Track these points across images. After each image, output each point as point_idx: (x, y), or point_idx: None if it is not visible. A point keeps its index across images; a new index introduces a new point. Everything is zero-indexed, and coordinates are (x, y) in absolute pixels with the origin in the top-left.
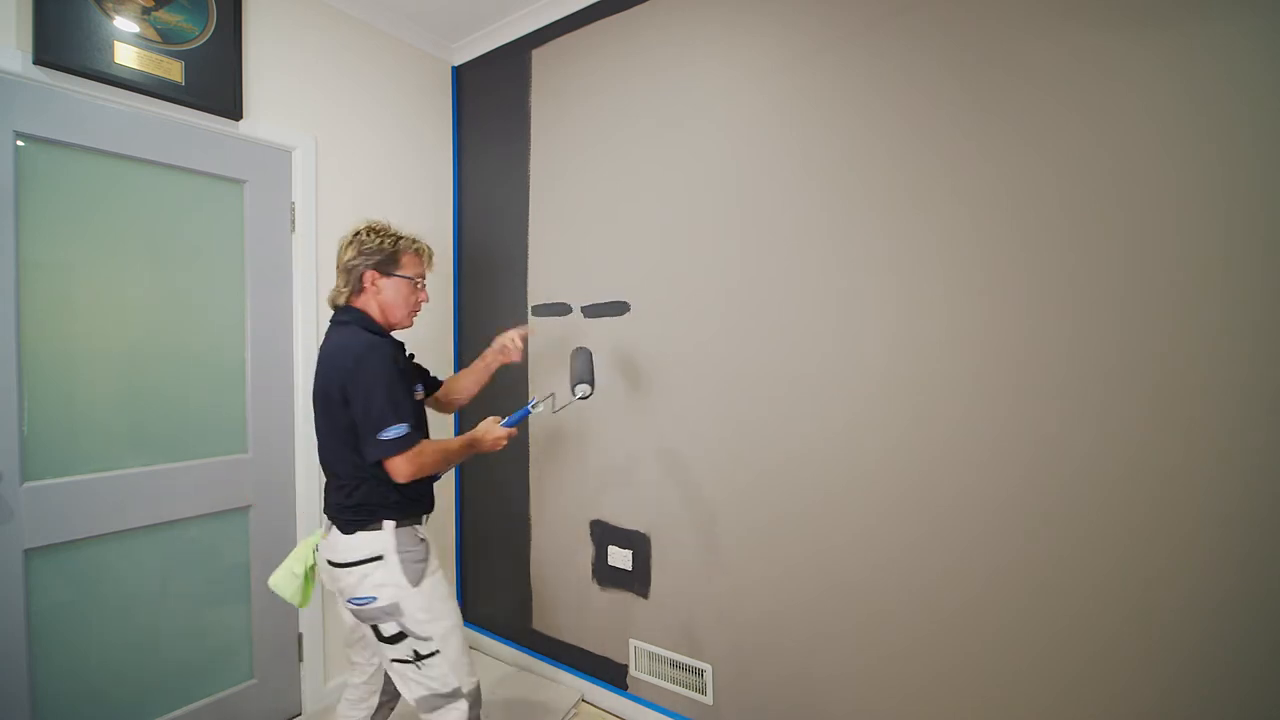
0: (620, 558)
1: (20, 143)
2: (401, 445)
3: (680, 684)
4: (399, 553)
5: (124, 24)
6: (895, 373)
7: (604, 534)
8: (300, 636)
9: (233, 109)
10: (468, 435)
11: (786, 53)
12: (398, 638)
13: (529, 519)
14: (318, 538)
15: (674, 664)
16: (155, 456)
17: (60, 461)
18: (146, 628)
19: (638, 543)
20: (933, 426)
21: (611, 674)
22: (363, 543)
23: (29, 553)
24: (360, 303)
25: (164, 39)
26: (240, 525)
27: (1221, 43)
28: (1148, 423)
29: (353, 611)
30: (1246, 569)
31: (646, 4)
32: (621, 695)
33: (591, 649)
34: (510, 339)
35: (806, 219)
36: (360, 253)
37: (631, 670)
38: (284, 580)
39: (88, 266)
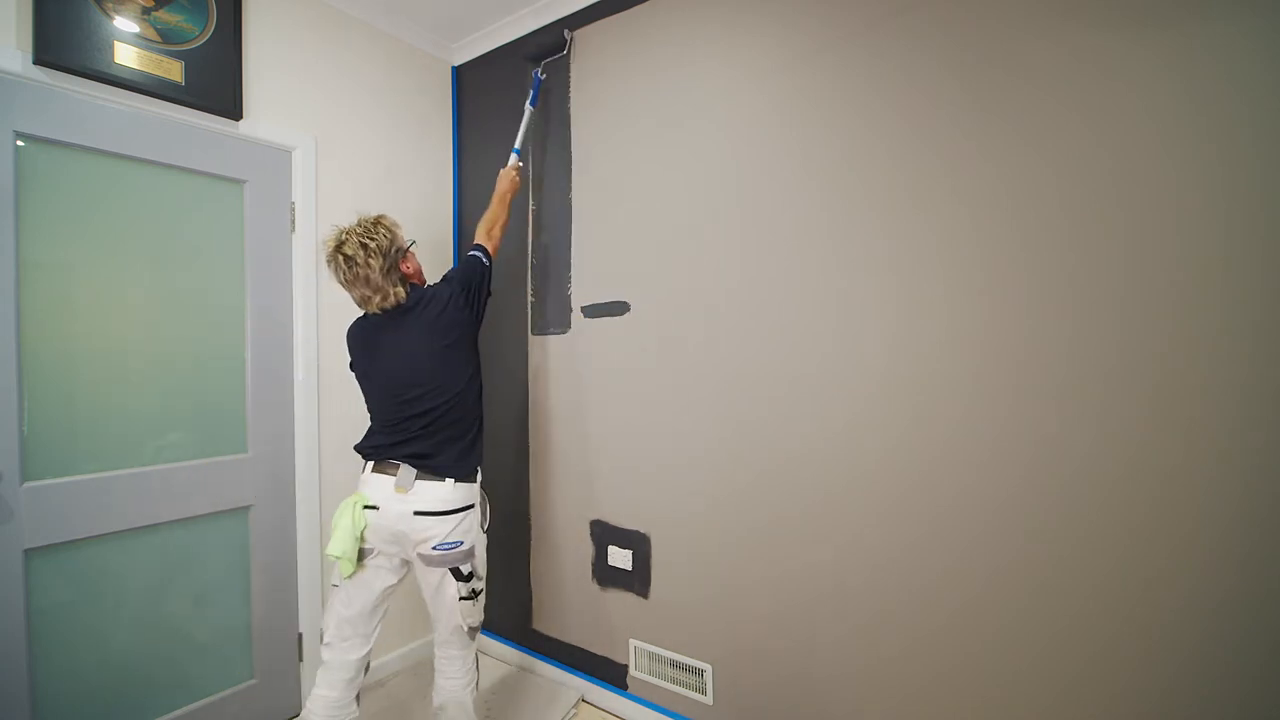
0: (620, 558)
1: (20, 143)
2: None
3: (680, 684)
4: (480, 502)
5: (124, 24)
6: (895, 373)
7: (604, 534)
8: (300, 636)
9: (233, 109)
10: (498, 193)
11: (786, 53)
12: (469, 576)
13: (529, 519)
14: (363, 499)
15: (674, 664)
16: (155, 456)
17: (60, 461)
18: (146, 628)
19: (638, 543)
20: (933, 427)
21: (611, 674)
22: (463, 492)
23: (29, 553)
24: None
25: (164, 39)
26: (240, 525)
27: (1222, 43)
28: (1148, 423)
29: (434, 558)
30: (1247, 569)
31: (647, 4)
32: (621, 695)
33: (591, 649)
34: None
35: (807, 219)
36: (384, 255)
37: (631, 670)
38: (349, 545)
39: (88, 266)
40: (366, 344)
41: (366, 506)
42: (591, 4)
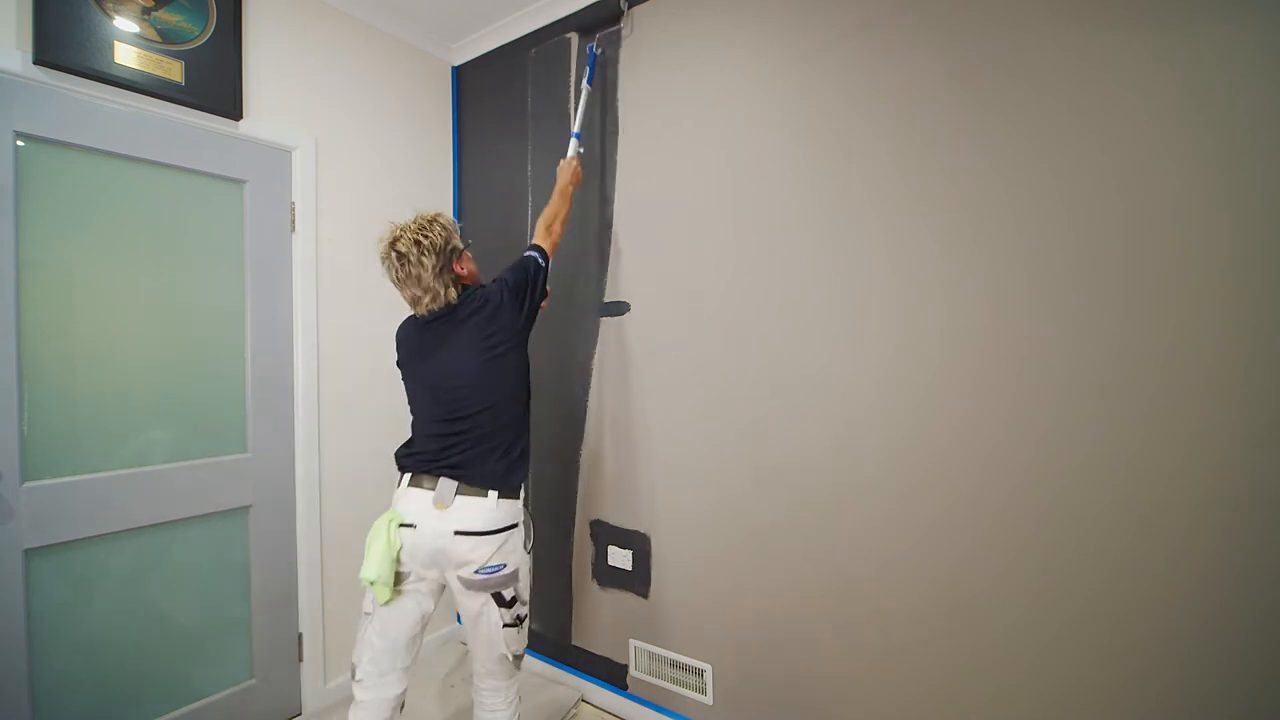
0: (620, 558)
1: (20, 143)
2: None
3: (680, 684)
4: (525, 522)
5: (124, 24)
6: (896, 374)
7: (604, 534)
8: (300, 636)
9: (233, 109)
10: (558, 186)
11: (786, 53)
12: (513, 601)
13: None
14: (398, 516)
15: (674, 664)
16: (155, 456)
17: (60, 461)
18: (146, 628)
19: (638, 543)
20: (933, 428)
21: (611, 674)
22: (507, 510)
23: (29, 553)
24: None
25: (164, 39)
26: (240, 525)
27: (1222, 43)
28: (1149, 424)
29: (475, 582)
30: (1247, 572)
31: (647, 4)
32: (621, 695)
33: (591, 649)
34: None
35: (807, 219)
36: (438, 255)
37: (631, 670)
38: (385, 568)
39: (88, 266)
40: (413, 345)
41: (402, 525)
42: (590, 4)
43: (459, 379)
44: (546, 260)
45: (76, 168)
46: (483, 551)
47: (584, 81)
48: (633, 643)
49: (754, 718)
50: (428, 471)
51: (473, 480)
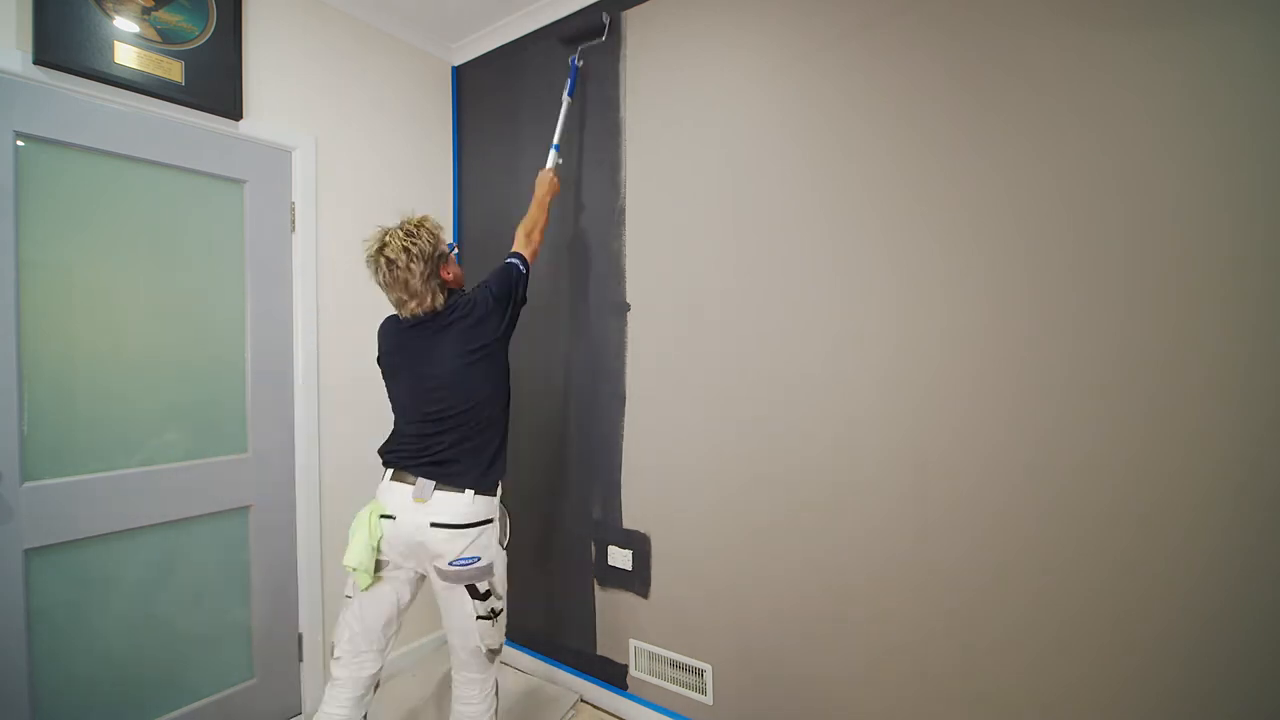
0: (620, 558)
1: (20, 143)
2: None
3: (680, 684)
4: (500, 518)
5: (124, 24)
6: (896, 373)
7: (604, 534)
8: (300, 636)
9: (233, 109)
10: (536, 197)
11: (786, 53)
12: (486, 594)
13: (529, 519)
14: (379, 508)
15: (674, 664)
16: (155, 456)
17: (60, 461)
18: (146, 628)
19: (638, 543)
20: (933, 428)
21: (611, 674)
22: (482, 506)
23: (29, 553)
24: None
25: (164, 39)
26: (240, 525)
27: (1222, 43)
28: (1148, 424)
29: (449, 574)
30: (1246, 573)
31: (647, 4)
32: (621, 695)
33: (591, 649)
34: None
35: (807, 219)
36: (426, 261)
37: (631, 670)
38: (366, 556)
39: (88, 266)
40: (397, 345)
41: (383, 516)
42: (590, 4)
43: (441, 381)
44: (527, 268)
45: (76, 168)
46: (457, 544)
47: (564, 93)
48: (633, 643)
49: (754, 718)
50: (408, 468)
51: (450, 479)
